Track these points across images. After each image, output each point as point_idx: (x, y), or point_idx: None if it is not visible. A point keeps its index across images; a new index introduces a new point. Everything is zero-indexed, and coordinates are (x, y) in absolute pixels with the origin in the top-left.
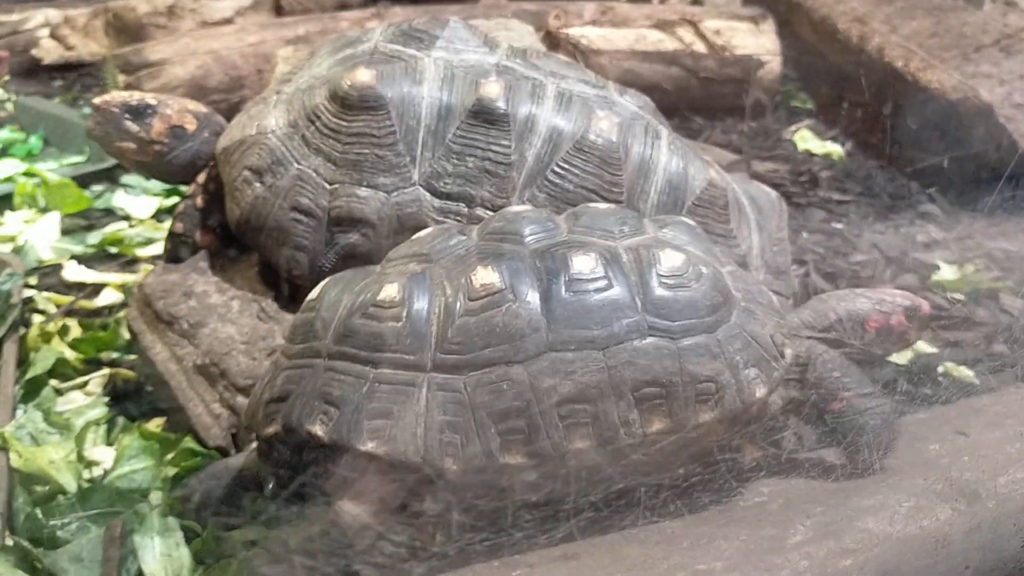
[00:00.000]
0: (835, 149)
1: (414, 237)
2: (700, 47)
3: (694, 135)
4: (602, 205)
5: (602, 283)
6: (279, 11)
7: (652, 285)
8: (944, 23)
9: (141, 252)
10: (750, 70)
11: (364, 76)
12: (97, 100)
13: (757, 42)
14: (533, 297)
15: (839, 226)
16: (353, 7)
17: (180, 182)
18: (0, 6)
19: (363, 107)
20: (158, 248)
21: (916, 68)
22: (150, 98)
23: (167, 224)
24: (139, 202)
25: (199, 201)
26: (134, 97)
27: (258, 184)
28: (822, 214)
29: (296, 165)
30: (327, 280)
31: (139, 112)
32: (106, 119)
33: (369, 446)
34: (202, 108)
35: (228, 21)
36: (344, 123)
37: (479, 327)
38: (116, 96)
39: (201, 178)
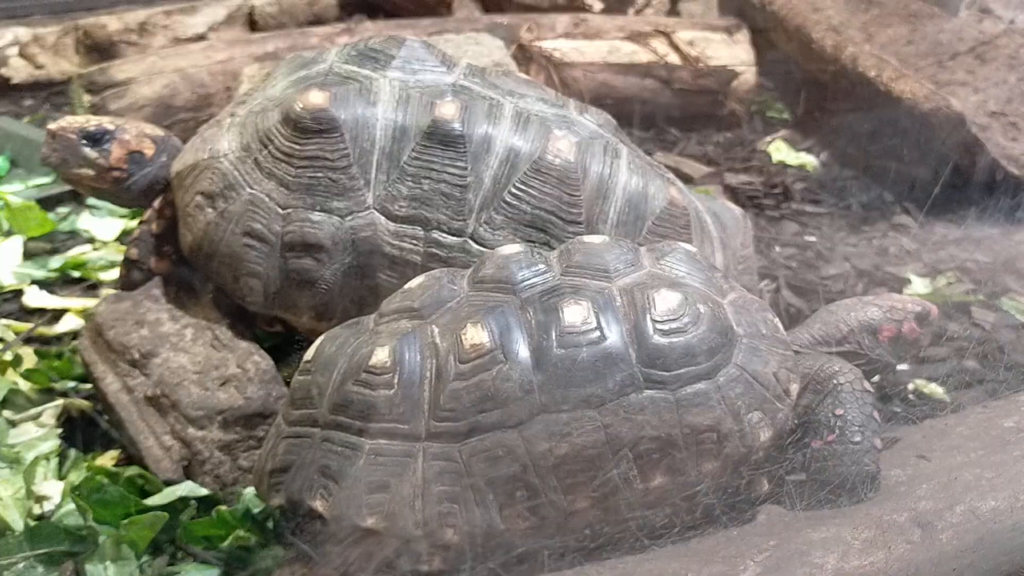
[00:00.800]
0: (809, 160)
1: (406, 287)
2: (674, 58)
3: (669, 147)
4: (597, 239)
5: (595, 335)
6: (253, 26)
7: (647, 333)
8: (920, 31)
9: (104, 276)
10: (725, 81)
11: (317, 98)
12: (53, 126)
13: (731, 53)
14: (524, 356)
15: (812, 239)
16: (328, 21)
17: (137, 207)
18: None
19: (316, 130)
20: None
21: (889, 78)
22: (107, 123)
23: None
24: (104, 224)
25: (154, 227)
26: (91, 123)
27: (210, 209)
28: (795, 227)
29: (248, 190)
30: (322, 338)
31: (97, 138)
32: (62, 146)
33: (369, 522)
34: (159, 131)
35: (201, 37)
36: (297, 146)
37: (470, 392)
38: (72, 122)
39: (157, 203)
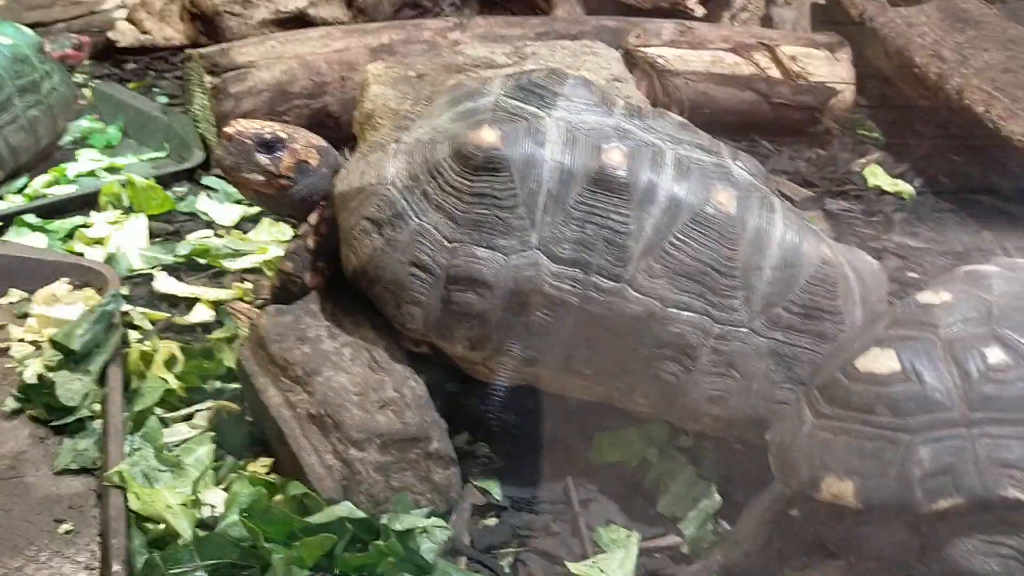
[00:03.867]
0: (906, 188)
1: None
2: (775, 72)
3: (761, 160)
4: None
5: None
6: (350, 4)
7: None
8: (1019, 58)
9: (228, 264)
10: (823, 98)
11: (489, 136)
12: (229, 130)
13: (832, 70)
14: None
15: (914, 275)
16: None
17: (292, 216)
18: None
19: (487, 168)
20: (245, 262)
21: (998, 116)
22: (280, 131)
23: (252, 235)
24: (223, 209)
25: (310, 242)
26: (265, 129)
27: (377, 236)
28: (897, 261)
29: (416, 220)
30: (886, 353)
31: (270, 145)
32: (238, 150)
33: None
34: (322, 142)
35: (302, 12)
36: (467, 182)
37: None
38: (248, 127)
39: (313, 219)
